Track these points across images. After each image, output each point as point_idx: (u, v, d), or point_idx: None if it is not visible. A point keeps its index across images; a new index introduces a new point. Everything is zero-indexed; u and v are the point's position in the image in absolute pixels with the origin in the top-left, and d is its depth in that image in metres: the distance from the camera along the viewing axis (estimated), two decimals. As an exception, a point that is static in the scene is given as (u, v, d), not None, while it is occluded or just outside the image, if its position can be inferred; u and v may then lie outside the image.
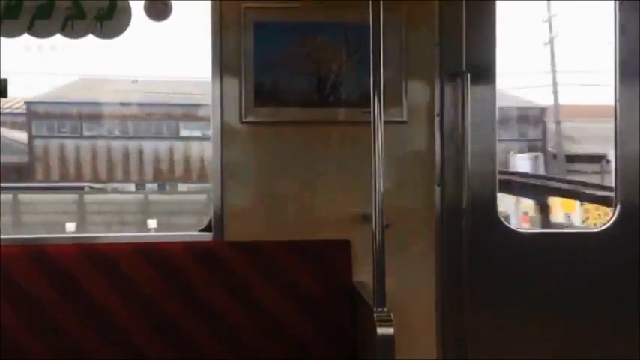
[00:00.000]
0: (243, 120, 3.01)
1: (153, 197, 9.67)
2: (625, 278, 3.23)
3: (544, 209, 6.78)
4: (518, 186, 6.63)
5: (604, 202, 4.95)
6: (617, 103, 3.26)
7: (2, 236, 2.88)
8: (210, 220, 3.03)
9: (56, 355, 2.77)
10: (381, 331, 2.38)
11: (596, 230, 3.29)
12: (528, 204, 6.93)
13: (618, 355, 3.23)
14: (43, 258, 2.82)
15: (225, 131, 3.01)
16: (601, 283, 3.25)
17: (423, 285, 3.12)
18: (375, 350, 2.39)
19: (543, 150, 10.18)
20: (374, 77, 2.40)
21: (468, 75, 3.06)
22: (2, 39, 2.87)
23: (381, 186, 2.40)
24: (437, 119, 3.13)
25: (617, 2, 3.23)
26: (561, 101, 10.40)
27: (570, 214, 7.03)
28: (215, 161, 3.02)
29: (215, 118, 3.01)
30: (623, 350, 3.23)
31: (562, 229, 6.54)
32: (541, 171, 9.47)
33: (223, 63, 2.99)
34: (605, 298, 3.24)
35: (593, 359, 3.21)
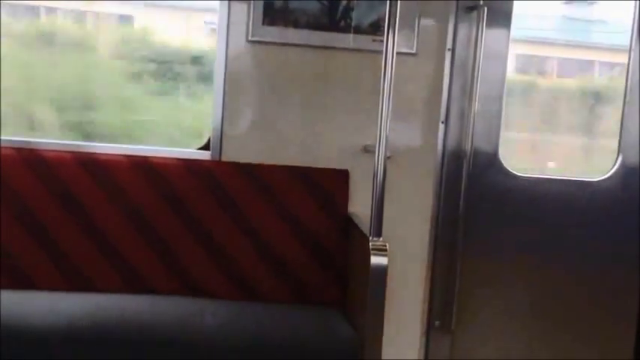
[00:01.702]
0: (250, 38, 2.93)
1: None
2: (624, 228, 3.24)
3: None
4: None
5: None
6: (631, 53, 3.19)
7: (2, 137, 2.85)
8: (209, 139, 3.00)
9: (49, 262, 2.76)
10: (375, 260, 2.38)
11: (596, 179, 3.27)
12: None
13: (617, 304, 3.28)
14: (38, 163, 2.79)
15: (231, 49, 2.93)
16: (599, 232, 3.26)
17: (418, 220, 3.12)
18: (367, 279, 2.40)
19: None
20: (390, 6, 2.31)
21: (485, 9, 2.96)
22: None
23: (387, 116, 2.35)
24: (448, 53, 3.06)
25: None
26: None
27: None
28: (217, 79, 2.95)
29: (221, 34, 2.93)
30: (621, 300, 3.28)
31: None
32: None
33: None
34: (603, 247, 3.26)
35: (588, 304, 3.26)
